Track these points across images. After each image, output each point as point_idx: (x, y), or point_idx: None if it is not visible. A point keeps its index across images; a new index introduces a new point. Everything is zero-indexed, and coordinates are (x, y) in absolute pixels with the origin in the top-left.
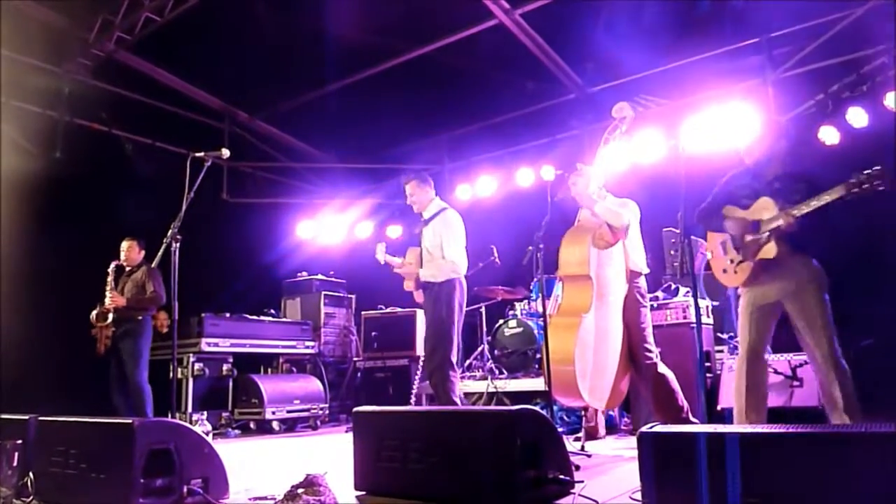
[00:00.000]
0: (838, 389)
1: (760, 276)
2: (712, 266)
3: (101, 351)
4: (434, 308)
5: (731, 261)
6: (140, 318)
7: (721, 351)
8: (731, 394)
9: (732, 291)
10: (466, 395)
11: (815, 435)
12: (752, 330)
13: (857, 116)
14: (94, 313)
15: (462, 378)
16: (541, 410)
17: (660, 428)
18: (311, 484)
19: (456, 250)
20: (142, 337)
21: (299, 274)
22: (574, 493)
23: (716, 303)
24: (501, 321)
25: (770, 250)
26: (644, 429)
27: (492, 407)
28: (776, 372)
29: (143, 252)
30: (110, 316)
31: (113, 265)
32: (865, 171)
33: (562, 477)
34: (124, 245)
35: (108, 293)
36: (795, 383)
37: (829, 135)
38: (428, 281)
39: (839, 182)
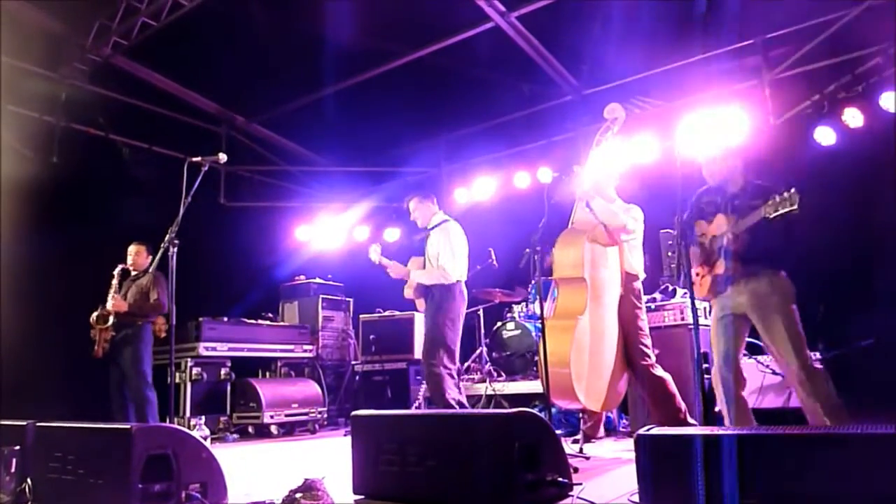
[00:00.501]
0: (815, 397)
1: (721, 289)
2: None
3: (99, 354)
4: (433, 314)
5: (697, 273)
6: (140, 323)
7: None
8: None
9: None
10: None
11: (812, 436)
12: (721, 338)
13: (853, 117)
14: (94, 315)
15: (462, 380)
16: (539, 413)
17: (657, 430)
18: (309, 488)
19: (451, 260)
20: (142, 342)
21: (297, 278)
22: (572, 496)
23: None
24: (500, 323)
25: (720, 266)
26: (641, 431)
27: (490, 410)
28: (774, 373)
29: (150, 257)
30: (111, 319)
31: (119, 268)
32: (779, 195)
33: (560, 479)
34: (132, 249)
35: (110, 296)
36: None
37: (825, 135)
38: (422, 284)
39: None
